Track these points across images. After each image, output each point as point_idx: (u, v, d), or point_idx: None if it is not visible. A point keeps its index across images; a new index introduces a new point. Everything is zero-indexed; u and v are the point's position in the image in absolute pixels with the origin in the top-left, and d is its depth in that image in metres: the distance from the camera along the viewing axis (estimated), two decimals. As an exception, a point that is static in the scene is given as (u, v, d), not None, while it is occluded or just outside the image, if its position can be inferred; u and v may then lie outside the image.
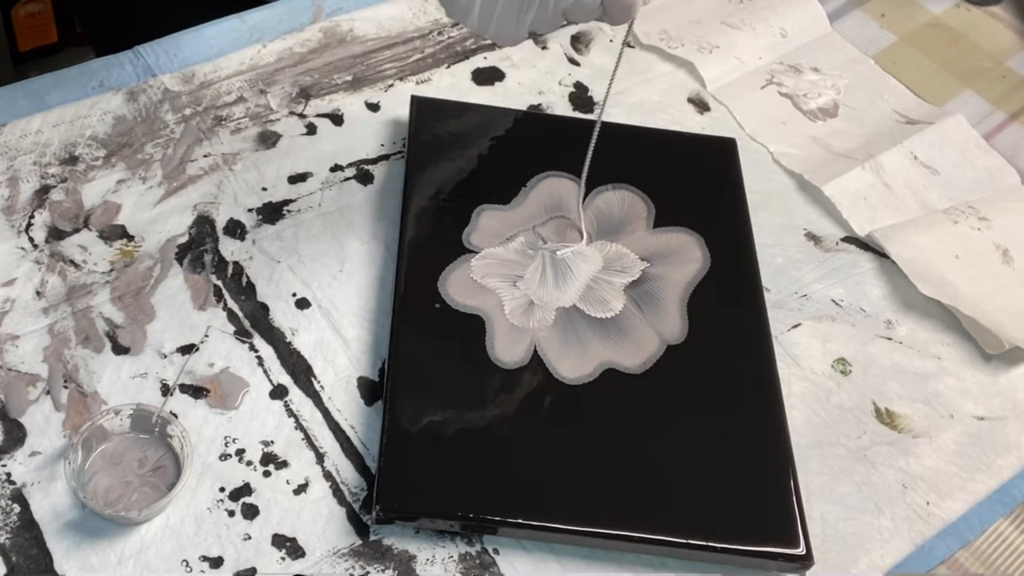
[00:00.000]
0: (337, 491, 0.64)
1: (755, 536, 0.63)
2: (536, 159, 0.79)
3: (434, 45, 0.88)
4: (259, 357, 0.68)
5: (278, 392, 0.67)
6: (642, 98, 0.88)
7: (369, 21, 0.88)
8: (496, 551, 0.63)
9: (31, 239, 0.72)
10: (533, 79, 0.87)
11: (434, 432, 0.64)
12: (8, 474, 0.62)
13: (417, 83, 0.85)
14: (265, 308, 0.71)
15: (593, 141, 0.72)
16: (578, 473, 0.64)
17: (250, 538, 0.61)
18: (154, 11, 0.92)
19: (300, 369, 0.68)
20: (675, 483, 0.64)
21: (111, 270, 0.71)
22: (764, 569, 0.64)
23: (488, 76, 0.87)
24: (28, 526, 0.60)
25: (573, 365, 0.69)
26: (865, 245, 0.80)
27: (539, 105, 0.85)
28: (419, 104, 0.81)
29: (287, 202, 0.76)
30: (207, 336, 0.69)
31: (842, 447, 0.69)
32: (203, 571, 0.60)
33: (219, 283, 0.71)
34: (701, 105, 0.88)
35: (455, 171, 0.77)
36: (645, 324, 0.71)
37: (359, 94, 0.84)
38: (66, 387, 0.66)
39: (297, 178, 0.78)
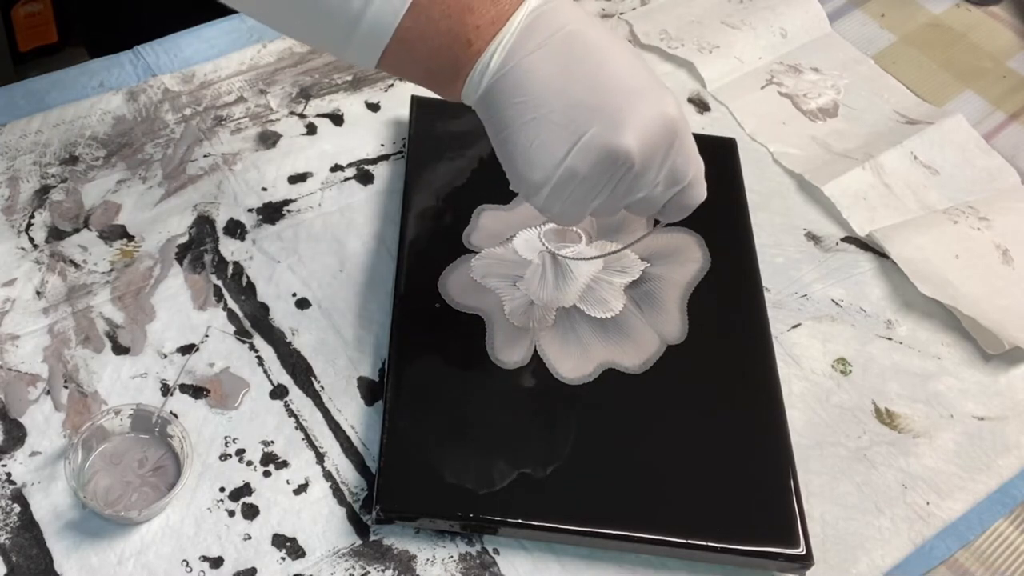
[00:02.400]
0: (337, 491, 0.64)
1: (755, 536, 0.63)
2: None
3: (434, 45, 0.88)
4: (259, 357, 0.68)
5: (278, 392, 0.67)
6: (642, 98, 0.87)
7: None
8: (496, 551, 0.63)
9: (31, 239, 0.72)
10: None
11: (434, 432, 0.64)
12: (8, 474, 0.62)
13: (417, 83, 0.85)
14: (265, 308, 0.71)
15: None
16: (578, 473, 0.64)
17: (250, 538, 0.61)
18: (154, 11, 0.92)
19: (300, 369, 0.68)
20: (675, 483, 0.64)
21: (111, 270, 0.71)
22: (764, 569, 0.64)
23: (488, 76, 0.87)
24: (28, 526, 0.60)
25: (573, 365, 0.69)
26: (865, 245, 0.80)
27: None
28: (419, 104, 0.81)
29: (287, 202, 0.76)
30: (207, 336, 0.69)
31: (842, 447, 0.69)
32: (203, 571, 0.60)
33: (219, 283, 0.71)
34: (701, 105, 0.88)
35: (455, 171, 0.77)
36: (645, 324, 0.71)
37: (359, 94, 0.84)
38: (66, 387, 0.66)
39: (297, 178, 0.78)
